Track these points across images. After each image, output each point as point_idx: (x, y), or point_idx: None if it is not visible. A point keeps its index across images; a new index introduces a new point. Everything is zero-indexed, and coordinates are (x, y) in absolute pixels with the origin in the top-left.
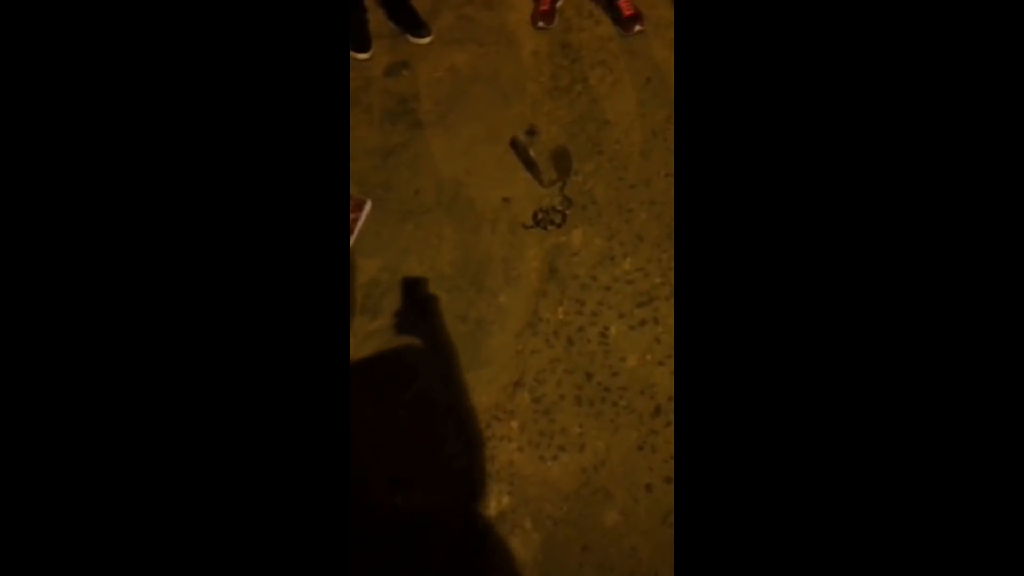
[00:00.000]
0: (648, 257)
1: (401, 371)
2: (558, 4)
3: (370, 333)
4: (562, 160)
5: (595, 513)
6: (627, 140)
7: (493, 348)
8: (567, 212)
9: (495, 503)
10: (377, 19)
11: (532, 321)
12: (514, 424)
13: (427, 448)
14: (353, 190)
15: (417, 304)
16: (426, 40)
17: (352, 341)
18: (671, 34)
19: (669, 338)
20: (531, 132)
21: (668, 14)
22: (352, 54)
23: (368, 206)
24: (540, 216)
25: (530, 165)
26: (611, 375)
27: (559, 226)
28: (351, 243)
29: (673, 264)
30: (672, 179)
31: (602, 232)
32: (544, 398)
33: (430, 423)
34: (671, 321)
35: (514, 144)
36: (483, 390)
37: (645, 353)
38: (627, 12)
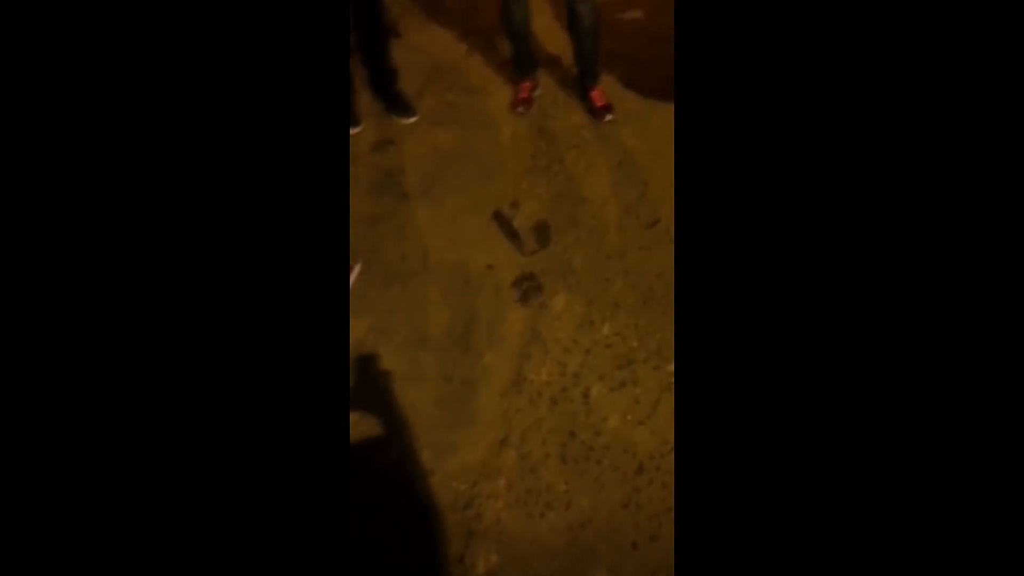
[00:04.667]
0: (625, 323)
1: (385, 432)
2: (536, 93)
3: (355, 393)
4: (542, 232)
5: (583, 571)
6: (602, 216)
7: (479, 407)
8: (544, 282)
9: (483, 562)
10: (364, 100)
11: (517, 381)
12: (501, 482)
13: (413, 510)
14: None
15: (402, 365)
16: (411, 120)
17: None
18: (639, 123)
19: (648, 399)
20: (515, 204)
21: (635, 105)
22: None
23: (358, 268)
24: (525, 286)
25: (513, 235)
26: (594, 434)
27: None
28: None
29: (649, 329)
30: (645, 252)
31: (581, 299)
32: (530, 456)
33: (416, 483)
34: (649, 383)
35: (497, 216)
36: (469, 449)
37: (626, 413)
38: (599, 103)
